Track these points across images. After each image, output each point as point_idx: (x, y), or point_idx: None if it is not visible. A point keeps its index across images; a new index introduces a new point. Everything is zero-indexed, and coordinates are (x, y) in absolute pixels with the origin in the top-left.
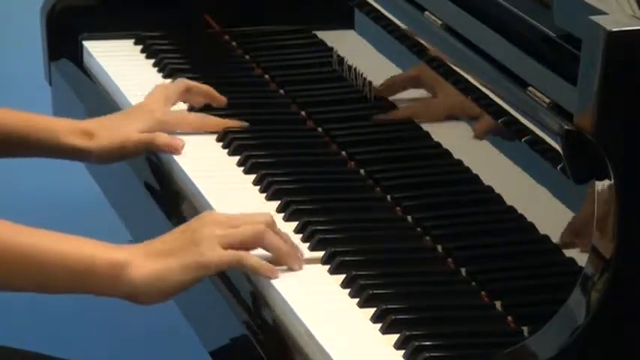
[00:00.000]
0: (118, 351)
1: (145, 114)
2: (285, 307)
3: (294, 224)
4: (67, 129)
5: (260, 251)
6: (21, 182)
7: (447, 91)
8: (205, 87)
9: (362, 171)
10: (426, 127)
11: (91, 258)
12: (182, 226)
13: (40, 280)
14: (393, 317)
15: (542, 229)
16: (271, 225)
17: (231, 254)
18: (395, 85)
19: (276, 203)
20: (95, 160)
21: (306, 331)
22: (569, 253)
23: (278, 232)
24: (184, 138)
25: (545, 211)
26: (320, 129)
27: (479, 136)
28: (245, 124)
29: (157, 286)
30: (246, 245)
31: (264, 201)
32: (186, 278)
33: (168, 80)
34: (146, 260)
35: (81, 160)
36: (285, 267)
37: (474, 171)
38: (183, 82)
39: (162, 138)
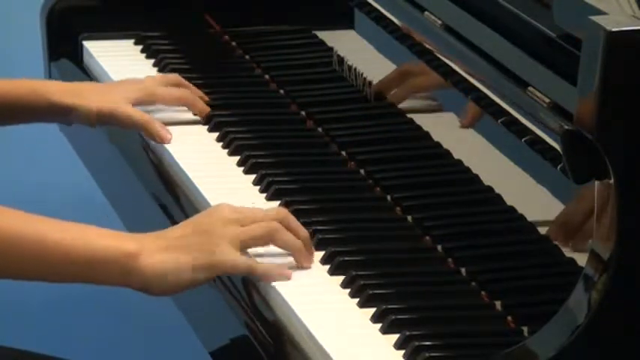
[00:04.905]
0: (117, 351)
1: (135, 84)
2: (285, 307)
3: None
4: (56, 88)
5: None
6: (15, 176)
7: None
8: (202, 106)
9: (362, 171)
10: (426, 127)
11: (103, 248)
12: (194, 220)
13: (50, 269)
14: (393, 317)
15: (542, 229)
16: (286, 220)
17: (244, 262)
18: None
19: (276, 203)
20: (83, 120)
21: (306, 331)
22: (569, 253)
23: (292, 225)
24: (184, 139)
25: (545, 211)
26: (320, 129)
27: (466, 125)
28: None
29: (168, 280)
30: (259, 243)
31: (264, 201)
32: (197, 277)
33: None
34: (158, 252)
35: (69, 121)
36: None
37: (474, 171)
38: (187, 93)
39: (154, 124)
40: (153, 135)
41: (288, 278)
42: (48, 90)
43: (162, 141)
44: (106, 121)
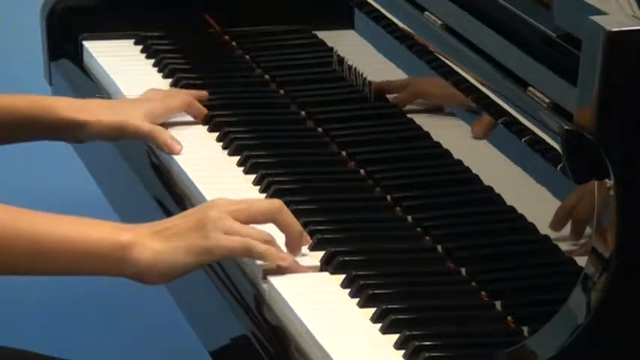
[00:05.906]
0: (117, 351)
1: (141, 102)
2: (285, 307)
3: None
4: (67, 104)
5: None
6: (15, 177)
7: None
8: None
9: (362, 171)
10: (426, 127)
11: (97, 240)
12: (189, 212)
13: (45, 263)
14: (393, 317)
15: (542, 229)
16: (279, 214)
17: (238, 240)
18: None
19: None
20: (95, 135)
21: (306, 331)
22: (569, 253)
23: (285, 220)
24: (184, 139)
25: (545, 211)
26: (320, 129)
27: (478, 136)
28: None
29: (160, 267)
30: (258, 219)
31: None
32: (190, 261)
33: (169, 80)
34: (151, 241)
35: (80, 138)
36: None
37: (474, 171)
38: (188, 97)
39: (163, 135)
40: (162, 145)
41: (286, 264)
42: (58, 106)
43: (171, 152)
44: (118, 135)
